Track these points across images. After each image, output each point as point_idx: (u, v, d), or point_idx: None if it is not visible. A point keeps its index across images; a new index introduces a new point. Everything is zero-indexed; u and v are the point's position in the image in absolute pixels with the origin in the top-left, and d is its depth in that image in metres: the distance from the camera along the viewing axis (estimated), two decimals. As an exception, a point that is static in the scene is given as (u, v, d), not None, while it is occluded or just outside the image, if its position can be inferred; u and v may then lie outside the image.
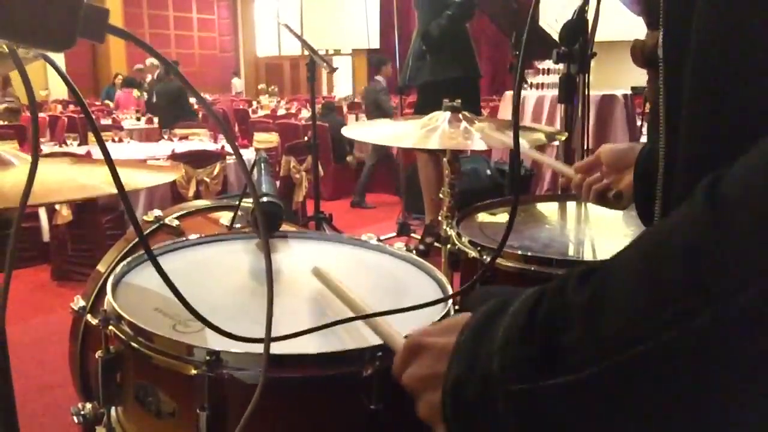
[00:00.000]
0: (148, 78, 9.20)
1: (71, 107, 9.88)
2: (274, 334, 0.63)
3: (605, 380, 0.43)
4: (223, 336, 0.68)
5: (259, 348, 0.63)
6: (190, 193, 3.86)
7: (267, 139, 6.24)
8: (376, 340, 0.80)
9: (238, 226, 1.38)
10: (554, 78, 4.94)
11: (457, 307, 0.94)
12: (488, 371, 0.49)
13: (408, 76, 3.96)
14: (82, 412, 0.96)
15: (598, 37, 2.41)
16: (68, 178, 1.01)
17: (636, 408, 0.42)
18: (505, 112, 5.26)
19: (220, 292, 1.03)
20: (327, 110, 6.70)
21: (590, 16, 2.29)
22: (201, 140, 5.39)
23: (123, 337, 0.84)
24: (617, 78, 6.46)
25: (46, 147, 5.08)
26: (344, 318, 0.79)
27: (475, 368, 0.51)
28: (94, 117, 0.58)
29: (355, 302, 0.86)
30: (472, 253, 1.32)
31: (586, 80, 2.41)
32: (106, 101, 11.05)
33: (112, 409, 0.92)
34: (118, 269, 1.02)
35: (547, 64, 5.06)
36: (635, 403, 0.42)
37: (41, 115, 7.53)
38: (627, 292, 0.43)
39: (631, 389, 0.42)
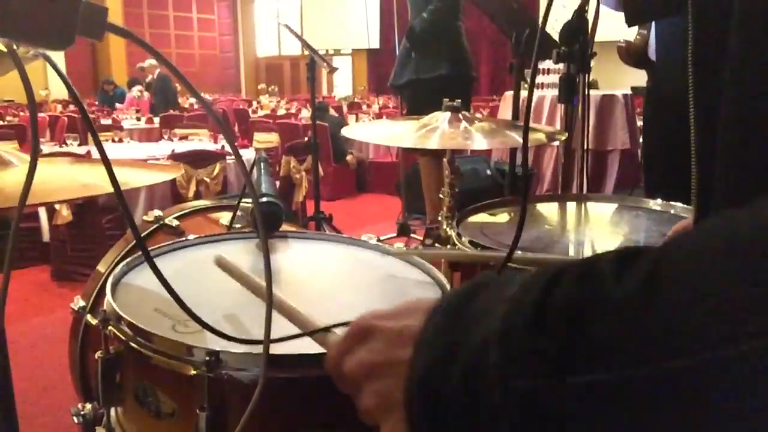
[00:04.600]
0: (148, 78, 9.21)
1: (71, 107, 9.88)
2: (273, 335, 0.63)
3: (654, 384, 0.36)
4: (221, 338, 0.68)
5: (258, 348, 0.63)
6: (190, 193, 3.86)
7: (267, 139, 6.25)
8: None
9: (238, 226, 1.38)
10: (554, 78, 4.94)
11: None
12: (480, 362, 0.43)
13: (394, 74, 3.85)
14: (82, 413, 0.96)
15: (598, 37, 2.41)
16: (69, 177, 1.01)
17: (687, 417, 0.37)
18: (506, 112, 5.26)
19: (220, 292, 1.03)
20: (320, 111, 6.69)
21: (590, 16, 2.29)
22: (201, 140, 5.39)
23: (122, 337, 0.84)
24: (617, 78, 6.46)
25: (46, 147, 5.08)
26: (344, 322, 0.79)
27: (458, 357, 0.45)
28: (93, 117, 0.58)
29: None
30: (472, 253, 1.32)
31: (586, 80, 2.41)
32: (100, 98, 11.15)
33: (112, 410, 0.92)
34: (117, 269, 1.02)
35: (547, 64, 5.06)
36: (687, 413, 0.36)
37: (41, 114, 7.53)
38: (712, 285, 0.35)
39: (691, 398, 0.36)
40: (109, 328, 0.87)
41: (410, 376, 0.47)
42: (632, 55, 2.96)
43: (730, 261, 0.36)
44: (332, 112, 7.48)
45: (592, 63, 2.37)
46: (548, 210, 1.73)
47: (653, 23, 2.67)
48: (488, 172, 4.40)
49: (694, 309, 0.36)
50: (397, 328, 0.52)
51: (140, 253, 1.09)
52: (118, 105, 9.99)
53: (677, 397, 0.36)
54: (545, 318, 0.41)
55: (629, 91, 5.23)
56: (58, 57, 0.60)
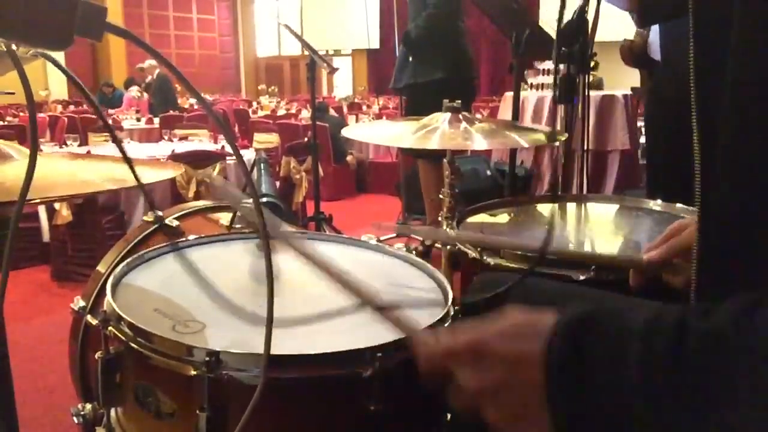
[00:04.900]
0: (148, 78, 9.20)
1: (71, 107, 9.89)
2: (274, 334, 0.63)
3: None
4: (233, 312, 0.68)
5: (259, 348, 0.63)
6: (190, 194, 3.85)
7: (267, 139, 6.24)
8: (378, 341, 0.80)
9: (238, 226, 1.38)
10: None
11: (456, 307, 0.93)
12: (623, 405, 0.48)
13: (394, 77, 3.83)
14: (82, 413, 0.96)
15: (599, 37, 2.41)
16: (68, 174, 1.01)
17: None
18: (506, 112, 5.26)
19: (221, 292, 1.03)
20: (320, 111, 6.68)
21: (590, 16, 2.29)
22: (201, 141, 5.39)
23: (123, 337, 0.84)
24: (618, 78, 6.46)
25: (46, 147, 5.07)
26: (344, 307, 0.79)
27: (598, 397, 0.50)
28: (92, 118, 0.58)
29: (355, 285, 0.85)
30: (473, 254, 1.32)
31: (586, 80, 2.40)
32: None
33: (112, 410, 0.92)
34: (117, 270, 1.02)
35: (547, 64, 5.06)
36: None
37: (41, 115, 7.53)
38: None
39: None
40: (109, 328, 0.87)
41: (551, 410, 0.52)
42: (633, 53, 2.97)
43: None
44: (332, 112, 7.48)
45: (599, 62, 2.37)
46: (548, 210, 1.73)
47: None
48: (488, 172, 4.40)
49: None
50: (515, 353, 0.55)
51: (141, 253, 1.09)
52: (110, 111, 9.83)
53: None
54: (681, 371, 0.46)
55: (629, 91, 5.23)
56: (58, 57, 0.60)
